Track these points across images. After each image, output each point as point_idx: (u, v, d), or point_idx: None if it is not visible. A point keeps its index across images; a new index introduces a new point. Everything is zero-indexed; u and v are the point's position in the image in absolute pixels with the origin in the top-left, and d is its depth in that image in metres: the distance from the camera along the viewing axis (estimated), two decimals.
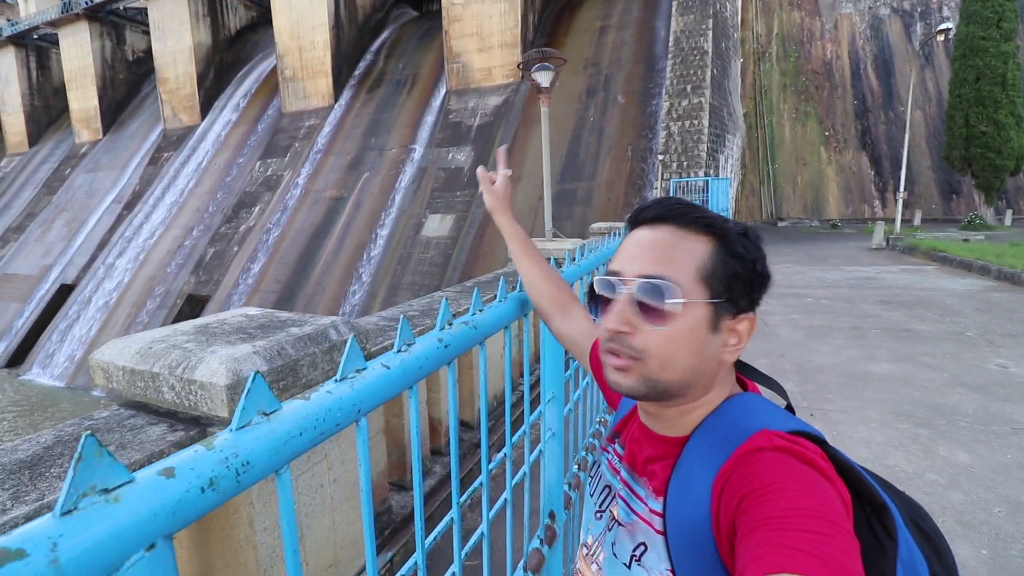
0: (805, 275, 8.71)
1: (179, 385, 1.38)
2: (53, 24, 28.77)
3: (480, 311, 0.81)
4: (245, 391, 0.43)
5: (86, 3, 27.66)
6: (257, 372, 0.44)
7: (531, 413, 1.19)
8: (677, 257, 0.63)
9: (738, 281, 0.63)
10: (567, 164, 16.76)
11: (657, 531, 0.63)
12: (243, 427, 0.41)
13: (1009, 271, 7.56)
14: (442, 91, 20.76)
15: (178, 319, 18.01)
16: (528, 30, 19.60)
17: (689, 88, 14.78)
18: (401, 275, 16.64)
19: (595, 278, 0.69)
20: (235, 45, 27.54)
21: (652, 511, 0.64)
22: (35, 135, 31.48)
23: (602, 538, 0.73)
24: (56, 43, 29.96)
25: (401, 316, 0.71)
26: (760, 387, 0.74)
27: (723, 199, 13.31)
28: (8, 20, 31.87)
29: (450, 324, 0.73)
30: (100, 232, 23.15)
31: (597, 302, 0.69)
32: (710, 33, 14.97)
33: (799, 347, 4.98)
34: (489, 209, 1.10)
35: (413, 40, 23.58)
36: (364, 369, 0.55)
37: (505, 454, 0.99)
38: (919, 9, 17.72)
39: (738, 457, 0.57)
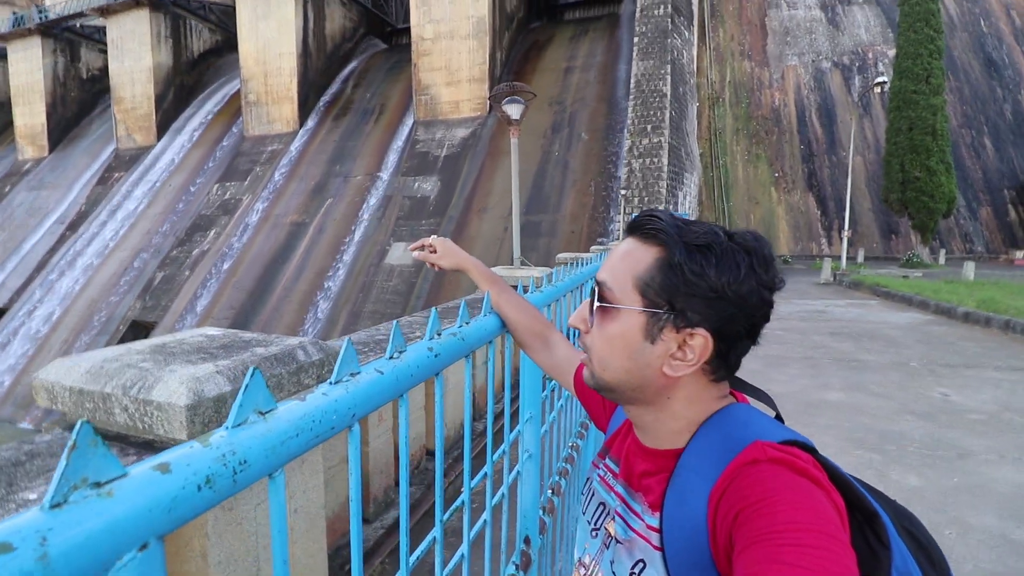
0: None
1: (133, 406, 1.28)
2: (3, 38, 27.63)
3: (467, 323, 0.80)
4: (243, 387, 0.40)
5: (40, 19, 26.77)
6: (256, 368, 0.41)
7: (510, 432, 1.17)
8: (622, 265, 0.65)
9: (680, 294, 0.61)
10: (532, 197, 17.08)
11: (655, 547, 0.62)
12: (239, 425, 0.39)
13: (946, 306, 8.11)
14: (410, 121, 20.97)
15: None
16: (496, 67, 20.20)
17: (649, 127, 15.48)
18: (363, 303, 16.31)
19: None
20: (197, 67, 27.12)
21: (649, 527, 0.64)
22: None
23: (599, 556, 0.71)
24: (4, 57, 28.70)
25: (395, 324, 0.69)
26: (749, 399, 0.73)
27: None
28: None
29: (439, 335, 0.72)
30: (39, 253, 21.77)
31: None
32: (668, 78, 15.83)
33: (757, 375, 5.13)
34: (457, 270, 1.11)
35: (382, 71, 23.86)
36: (359, 373, 0.53)
37: (486, 473, 0.96)
38: (857, 64, 19.36)
39: (733, 470, 0.56)
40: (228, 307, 17.27)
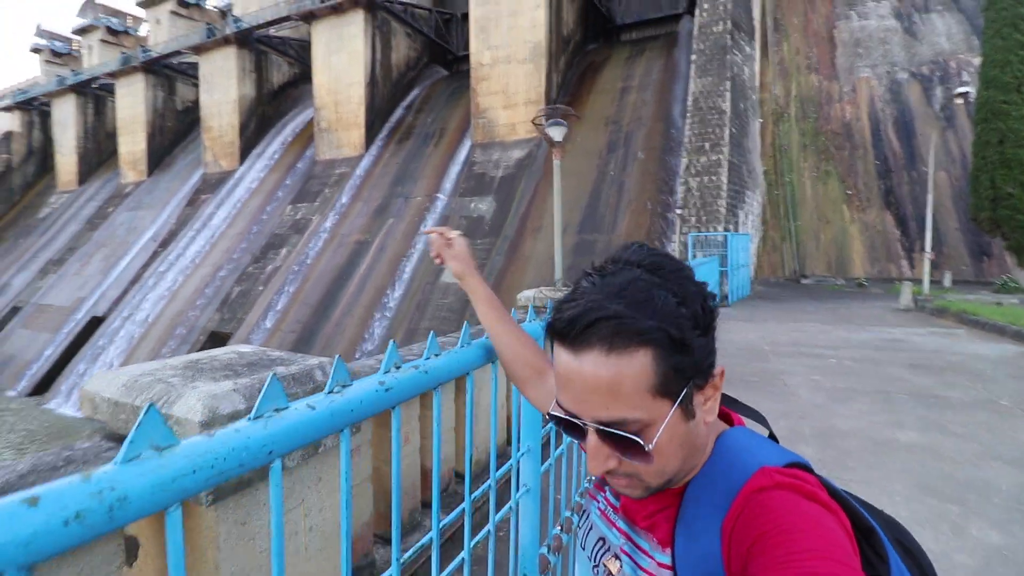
0: (829, 335, 8.45)
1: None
2: (113, 75, 31.26)
3: (436, 355, 0.80)
4: (137, 423, 0.42)
5: (144, 57, 30.08)
6: (152, 404, 0.43)
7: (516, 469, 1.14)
8: (624, 391, 0.56)
9: (692, 363, 0.57)
10: (587, 216, 16.99)
11: None
12: (130, 460, 0.40)
13: None
14: (467, 144, 21.58)
15: None
16: (552, 89, 20.46)
17: (708, 145, 15.06)
18: (419, 320, 16.74)
19: (554, 412, 0.64)
20: (277, 98, 29.37)
21: (661, 565, 0.62)
22: (85, 175, 33.55)
23: None
24: (112, 92, 32.40)
25: (337, 357, 0.69)
26: (743, 418, 0.72)
27: (743, 254, 13.21)
28: (72, 71, 34.74)
29: (397, 367, 0.71)
30: (135, 268, 24.09)
31: (564, 428, 0.64)
32: (728, 94, 15.38)
33: (820, 410, 4.75)
34: (457, 276, 1.03)
35: (442, 97, 24.80)
36: (284, 408, 0.53)
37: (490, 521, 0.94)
38: (937, 74, 17.97)
39: (743, 499, 0.55)
40: (295, 321, 18.27)
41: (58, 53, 37.50)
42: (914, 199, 16.53)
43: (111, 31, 34.87)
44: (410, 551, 0.81)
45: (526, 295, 4.02)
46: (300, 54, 29.67)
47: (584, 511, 0.80)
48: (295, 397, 1.54)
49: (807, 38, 19.95)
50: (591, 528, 0.75)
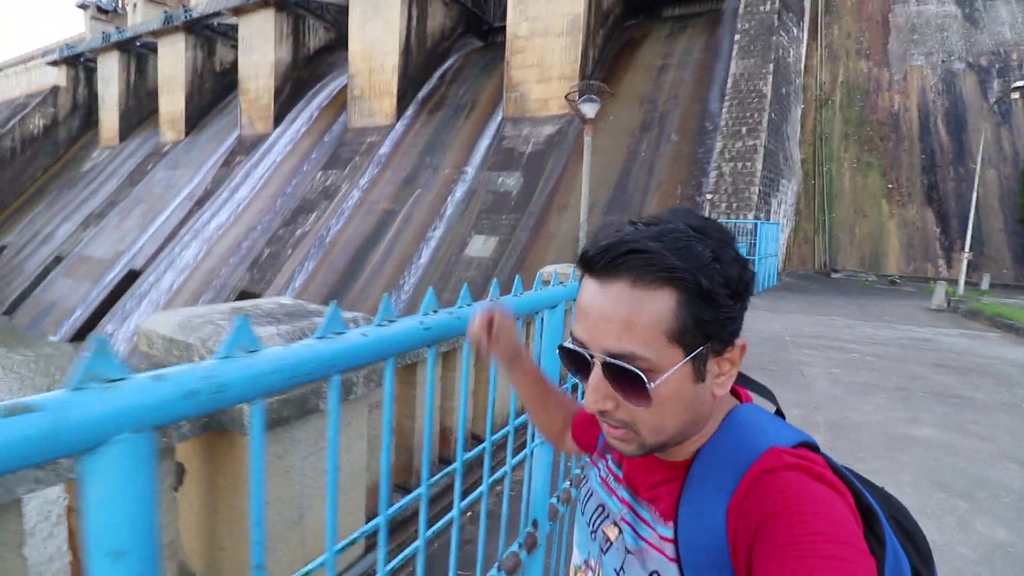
0: (854, 330, 8.31)
1: (208, 356, 1.51)
2: (155, 34, 31.71)
3: (469, 304, 0.88)
4: (233, 330, 0.51)
5: (185, 17, 30.40)
6: (245, 315, 0.52)
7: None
8: (639, 325, 0.56)
9: (715, 322, 0.57)
10: (615, 196, 16.80)
11: (670, 558, 0.60)
12: (226, 358, 0.50)
13: None
14: (498, 118, 21.38)
15: None
16: (588, 64, 20.02)
17: (745, 130, 14.63)
18: (441, 290, 16.96)
19: (564, 344, 0.64)
20: (312, 63, 29.44)
21: (663, 538, 0.62)
22: (125, 132, 34.42)
23: (599, 561, 0.71)
24: (155, 51, 32.92)
25: (385, 296, 0.78)
26: (752, 395, 0.71)
27: (772, 244, 12.95)
28: (116, 28, 35.35)
29: (435, 312, 0.80)
30: (171, 225, 24.87)
31: (571, 364, 0.64)
32: (770, 77, 14.84)
33: (836, 402, 4.75)
34: (506, 368, 0.92)
35: (476, 68, 24.50)
36: (342, 333, 0.62)
37: (507, 460, 1.04)
38: (997, 65, 16.94)
39: (751, 479, 0.55)
40: (322, 285, 18.72)
41: (103, 9, 38.15)
42: (959, 197, 15.84)
43: None
44: (436, 476, 0.92)
45: (550, 270, 4.06)
46: (337, 19, 29.54)
47: (584, 477, 0.81)
48: None
49: (860, 22, 18.96)
50: (591, 495, 0.76)
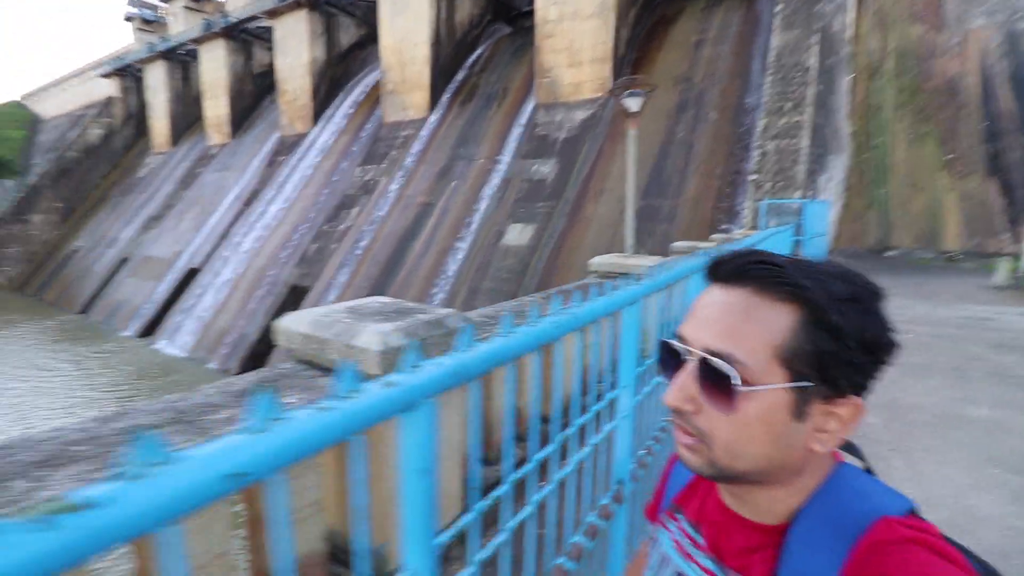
0: (909, 310, 8.12)
1: (342, 349, 1.81)
2: (196, 41, 33.02)
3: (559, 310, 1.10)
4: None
5: (223, 24, 31.51)
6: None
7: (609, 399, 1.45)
8: (748, 330, 0.54)
9: (834, 361, 0.53)
10: (652, 180, 16.65)
11: None
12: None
13: None
14: (530, 105, 21.38)
15: (283, 306, 19.93)
16: (620, 45, 19.72)
17: (788, 106, 14.21)
18: (480, 280, 17.33)
19: (662, 340, 0.64)
20: (345, 60, 30.06)
21: None
22: (175, 137, 36.15)
23: None
24: (196, 58, 34.31)
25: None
26: (841, 451, 0.66)
27: (820, 223, 12.62)
28: (160, 38, 36.97)
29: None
30: (223, 225, 26.16)
31: (666, 363, 0.63)
32: (815, 48, 14.31)
33: (890, 384, 4.77)
34: None
35: (506, 55, 24.49)
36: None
37: (586, 422, 1.27)
38: None
39: (864, 553, 0.51)
40: (366, 277, 19.41)
41: (148, 20, 39.94)
42: None
43: None
44: (519, 473, 1.16)
45: (599, 261, 4.25)
46: (367, 15, 29.98)
47: (654, 540, 0.76)
48: (435, 338, 1.94)
49: None
50: (665, 561, 0.71)
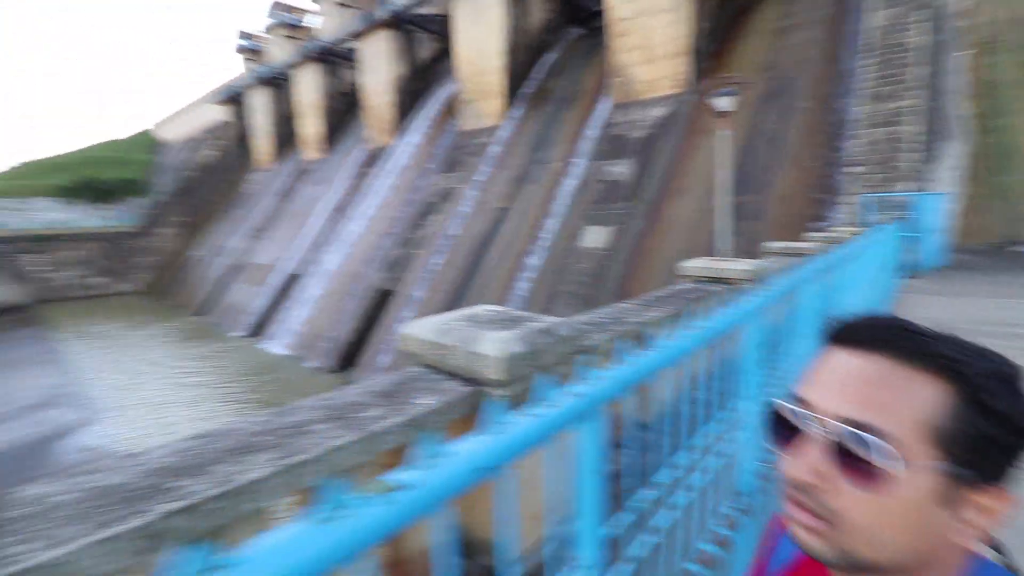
0: None
1: (464, 355, 2.07)
2: (292, 66, 36.03)
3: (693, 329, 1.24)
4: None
5: (314, 48, 34.12)
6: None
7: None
8: (894, 403, 0.49)
9: (989, 445, 0.49)
10: (737, 177, 15.94)
11: None
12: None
13: None
14: (604, 105, 21.23)
15: (372, 308, 21.32)
16: (697, 38, 19.08)
17: (892, 90, 13.08)
18: (557, 283, 17.49)
19: (773, 402, 0.58)
20: (424, 74, 31.47)
21: None
22: (276, 154, 39.64)
23: None
24: (291, 81, 37.39)
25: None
26: (981, 546, 0.59)
27: (935, 217, 11.51)
28: (261, 66, 40.70)
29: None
30: (318, 234, 28.39)
31: (777, 428, 0.58)
32: (921, 26, 13.06)
33: None
34: None
35: (578, 58, 24.48)
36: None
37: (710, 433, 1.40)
38: None
39: None
40: (447, 282, 20.26)
41: (254, 51, 44.20)
42: None
43: (290, 26, 40.04)
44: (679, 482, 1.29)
45: (691, 265, 4.25)
46: (442, 29, 31.18)
47: None
48: (548, 345, 2.14)
49: None
50: None
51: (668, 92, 19.28)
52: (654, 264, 15.23)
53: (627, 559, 0.97)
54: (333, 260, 25.54)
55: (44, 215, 41.30)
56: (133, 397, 18.68)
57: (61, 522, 1.36)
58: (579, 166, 20.27)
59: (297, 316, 24.31)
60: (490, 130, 24.78)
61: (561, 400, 0.71)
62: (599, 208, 18.46)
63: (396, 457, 2.00)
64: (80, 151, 55.74)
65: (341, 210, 28.54)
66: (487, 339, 1.99)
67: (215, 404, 18.02)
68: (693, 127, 17.75)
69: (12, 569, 1.19)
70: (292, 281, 26.92)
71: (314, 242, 28.08)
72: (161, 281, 38.58)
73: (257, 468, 1.64)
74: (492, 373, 1.96)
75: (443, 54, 31.91)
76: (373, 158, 29.99)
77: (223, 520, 1.49)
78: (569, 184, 19.98)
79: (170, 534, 1.40)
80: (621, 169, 18.97)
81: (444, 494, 0.53)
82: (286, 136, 39.65)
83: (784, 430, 0.57)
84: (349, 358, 20.78)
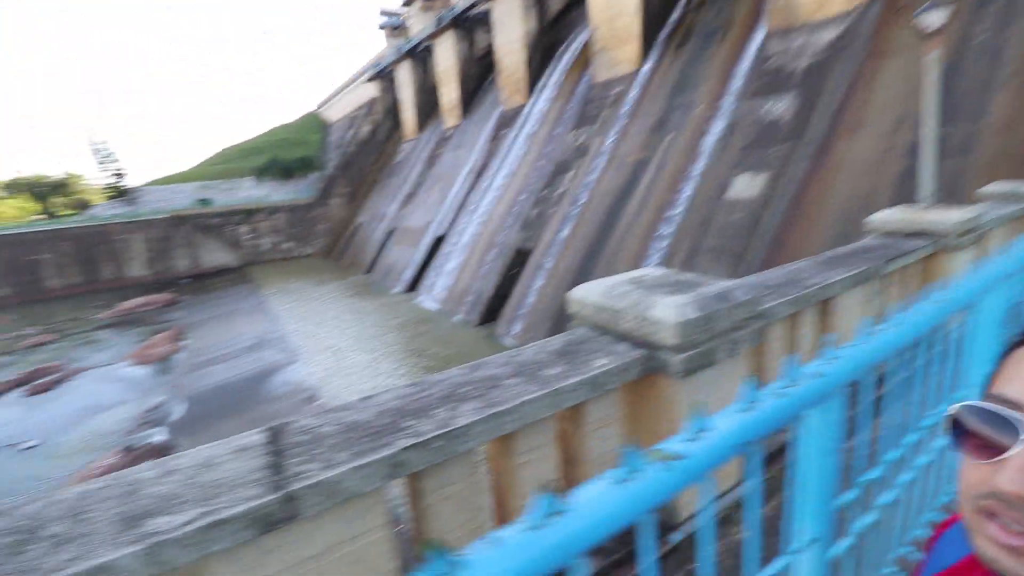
0: None
1: (636, 319, 2.17)
2: (431, 37, 37.57)
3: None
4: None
5: (449, 16, 35.05)
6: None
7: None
8: None
9: None
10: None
11: None
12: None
13: None
14: (759, 34, 18.75)
15: (511, 266, 22.32)
16: None
17: None
18: (701, 238, 16.45)
19: (968, 404, 0.53)
20: (555, 27, 30.66)
21: None
22: (420, 124, 42.32)
23: None
24: (431, 51, 39.08)
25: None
26: None
27: None
28: (404, 40, 43.07)
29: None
30: (460, 197, 30.12)
31: (966, 435, 0.52)
32: None
33: None
34: None
35: None
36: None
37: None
38: None
39: None
40: (582, 239, 20.27)
41: (394, 27, 46.95)
42: None
43: None
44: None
45: (883, 218, 3.72)
46: None
47: None
48: (722, 311, 2.14)
49: None
50: None
51: (843, 10, 16.32)
52: (819, 214, 13.52)
53: (849, 534, 1.00)
54: (474, 222, 27.00)
55: (246, 193, 49.83)
56: (318, 343, 22.25)
57: (329, 448, 1.78)
58: (727, 108, 18.39)
59: (445, 274, 26.43)
60: (626, 78, 23.50)
61: (801, 379, 0.76)
62: (751, 153, 16.70)
63: (574, 412, 2.22)
64: (264, 135, 65.55)
65: (479, 173, 29.77)
66: (661, 304, 2.06)
67: (381, 351, 20.72)
68: (874, 49, 14.91)
69: (304, 483, 1.59)
70: (440, 242, 29.16)
71: (457, 205, 29.88)
72: (336, 245, 44.49)
73: (466, 415, 1.95)
74: (667, 338, 2.03)
75: (573, 3, 30.65)
76: (508, 119, 30.48)
77: (444, 456, 1.83)
78: (715, 129, 18.32)
79: (407, 464, 1.77)
80: (780, 106, 16.81)
81: (709, 465, 0.64)
82: (430, 106, 41.96)
83: (981, 435, 0.50)
84: (491, 313, 22.16)
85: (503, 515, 2.27)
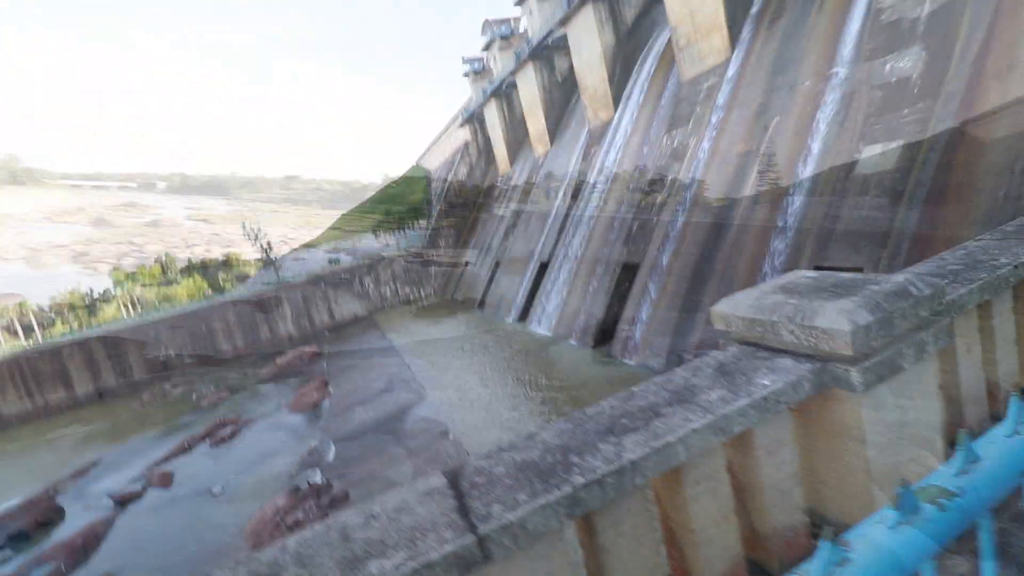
0: None
1: (798, 330, 2.02)
2: (513, 73, 39.06)
3: None
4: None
5: (528, 49, 36.20)
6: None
7: None
8: None
9: None
10: None
11: None
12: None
13: None
14: None
15: (618, 283, 21.87)
16: None
17: None
18: (832, 224, 14.84)
19: None
20: (633, 35, 30.28)
21: None
22: (512, 158, 43.81)
23: None
24: (514, 86, 40.54)
25: None
26: None
27: None
28: (489, 82, 45.24)
29: None
30: (559, 221, 30.41)
31: None
32: None
33: None
34: None
35: None
36: None
37: None
38: None
39: None
40: (692, 243, 19.30)
41: (477, 72, 49.68)
42: None
43: (503, 38, 43.51)
44: None
45: None
46: None
47: None
48: (902, 310, 1.92)
49: None
50: None
51: None
52: (976, 183, 11.59)
53: None
54: (575, 244, 27.00)
55: (366, 247, 55.04)
56: (441, 380, 23.43)
57: (507, 489, 1.85)
58: (841, 77, 16.64)
59: (553, 299, 26.60)
60: (716, 69, 22.37)
61: None
62: (878, 121, 14.88)
63: (741, 439, 2.09)
64: (378, 194, 72.28)
65: (575, 194, 29.87)
66: (829, 310, 1.89)
67: (500, 382, 21.24)
68: None
69: (492, 525, 1.66)
70: (544, 269, 29.53)
71: (557, 229, 30.16)
72: (448, 284, 47.09)
73: (632, 449, 1.93)
74: (841, 348, 1.85)
75: (650, 6, 30.10)
76: (596, 136, 30.41)
77: (617, 493, 1.83)
78: (830, 100, 16.64)
79: (584, 502, 1.79)
80: (905, 63, 14.87)
81: (988, 500, 0.57)
82: (519, 138, 43.40)
83: None
84: (605, 333, 21.76)
85: (675, 550, 2.18)
